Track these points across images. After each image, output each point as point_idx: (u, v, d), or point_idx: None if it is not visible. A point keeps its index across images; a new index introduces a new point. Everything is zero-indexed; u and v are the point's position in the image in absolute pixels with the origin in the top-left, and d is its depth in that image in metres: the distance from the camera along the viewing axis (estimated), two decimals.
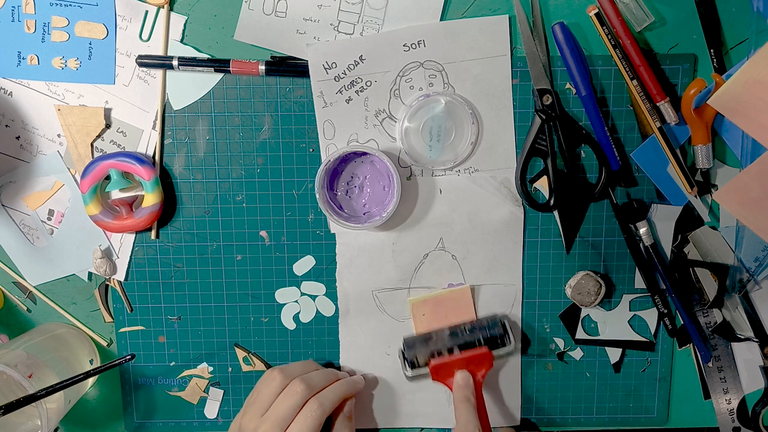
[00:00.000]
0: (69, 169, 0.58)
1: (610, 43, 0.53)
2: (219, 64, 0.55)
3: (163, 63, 0.55)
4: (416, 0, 0.54)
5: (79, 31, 0.55)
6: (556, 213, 0.58)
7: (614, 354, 0.61)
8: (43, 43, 0.55)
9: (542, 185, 0.58)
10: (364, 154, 0.57)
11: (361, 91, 0.56)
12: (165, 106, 0.57)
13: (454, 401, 0.55)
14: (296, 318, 0.61)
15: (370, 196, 0.58)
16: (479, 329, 0.58)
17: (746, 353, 0.61)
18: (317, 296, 0.61)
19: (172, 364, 0.62)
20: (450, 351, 0.57)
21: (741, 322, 0.60)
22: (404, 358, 0.58)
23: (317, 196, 0.55)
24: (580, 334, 0.61)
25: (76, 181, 0.58)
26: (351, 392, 0.58)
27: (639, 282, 0.59)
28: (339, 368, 0.61)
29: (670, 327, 0.60)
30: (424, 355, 0.58)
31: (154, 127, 0.57)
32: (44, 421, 0.51)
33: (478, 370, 0.57)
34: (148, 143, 0.57)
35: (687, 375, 0.62)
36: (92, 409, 0.63)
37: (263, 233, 0.59)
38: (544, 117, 0.55)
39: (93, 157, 0.57)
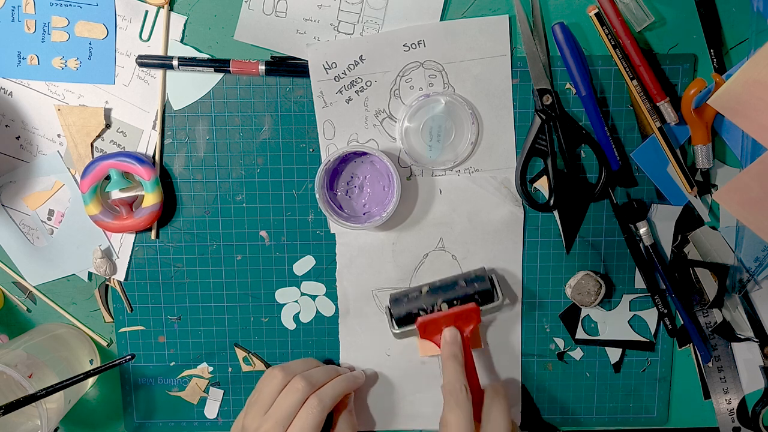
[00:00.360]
0: (69, 169, 0.58)
1: (610, 43, 0.53)
2: (219, 64, 0.55)
3: (163, 63, 0.55)
4: (416, 0, 0.54)
5: (79, 31, 0.55)
6: (556, 213, 0.58)
7: (614, 354, 0.61)
8: (43, 43, 0.55)
9: (542, 185, 0.58)
10: (364, 154, 0.57)
11: (361, 91, 0.56)
12: (165, 106, 0.57)
13: (442, 358, 0.55)
14: (296, 318, 0.61)
15: (370, 196, 0.58)
16: (467, 283, 0.57)
17: (746, 353, 0.61)
18: (317, 296, 0.61)
19: (172, 364, 0.62)
20: (436, 307, 0.56)
21: (741, 322, 0.60)
22: (391, 315, 0.57)
23: (317, 196, 0.55)
24: (580, 334, 0.61)
25: (76, 181, 0.58)
26: (351, 388, 0.58)
27: (639, 282, 0.59)
28: (339, 365, 0.61)
29: (670, 327, 0.60)
30: (412, 311, 0.57)
31: (154, 127, 0.57)
32: (44, 421, 0.51)
33: (465, 326, 0.56)
34: (148, 143, 0.57)
35: (687, 375, 0.62)
36: (92, 409, 0.63)
37: (263, 233, 0.59)
38: (544, 117, 0.55)
39: (93, 157, 0.57)
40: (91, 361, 0.60)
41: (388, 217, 0.55)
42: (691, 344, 0.61)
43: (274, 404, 0.53)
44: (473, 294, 0.56)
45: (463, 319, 0.56)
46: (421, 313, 0.57)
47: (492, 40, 0.55)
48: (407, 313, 0.57)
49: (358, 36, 0.55)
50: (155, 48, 0.56)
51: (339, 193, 0.58)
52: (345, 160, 0.57)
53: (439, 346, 0.56)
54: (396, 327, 0.57)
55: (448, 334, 0.56)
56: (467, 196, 0.58)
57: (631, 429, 0.63)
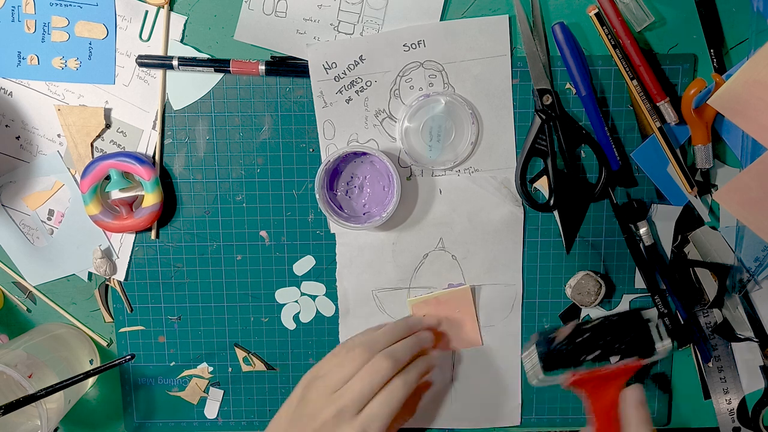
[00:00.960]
0: (69, 169, 0.58)
1: (610, 43, 0.53)
2: (219, 64, 0.55)
3: (163, 63, 0.55)
4: (416, 0, 0.54)
5: (79, 31, 0.55)
6: (556, 213, 0.58)
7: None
8: (43, 43, 0.55)
9: (542, 185, 0.58)
10: (364, 154, 0.57)
11: (361, 91, 0.56)
12: (165, 106, 0.57)
13: (633, 423, 0.47)
14: (296, 318, 0.61)
15: (370, 196, 0.58)
16: (625, 330, 0.50)
17: (746, 353, 0.61)
18: (317, 296, 0.61)
19: (172, 364, 0.62)
20: (593, 359, 0.50)
21: (741, 322, 0.60)
22: (541, 359, 0.50)
23: (317, 196, 0.55)
24: None
25: (76, 181, 0.58)
26: (431, 368, 0.53)
27: (639, 282, 0.59)
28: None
29: (670, 327, 0.60)
30: (564, 362, 0.50)
31: (154, 127, 0.57)
32: (44, 421, 0.51)
33: (620, 383, 0.50)
34: (148, 143, 0.57)
35: (687, 375, 0.62)
36: (92, 409, 0.63)
37: (263, 233, 0.59)
38: (544, 117, 0.55)
39: (93, 157, 0.57)
40: (91, 361, 0.60)
41: (388, 217, 0.55)
42: (691, 344, 0.61)
43: (350, 383, 0.48)
44: (634, 343, 0.50)
45: (622, 375, 0.50)
46: (575, 364, 0.50)
47: (492, 40, 0.55)
48: (558, 364, 0.50)
49: (358, 36, 0.55)
50: (155, 48, 0.56)
51: (339, 193, 0.58)
52: (345, 160, 0.57)
53: (590, 397, 0.50)
54: (542, 374, 0.51)
55: (635, 395, 0.49)
56: (467, 196, 0.58)
57: None
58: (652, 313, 0.52)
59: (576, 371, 0.50)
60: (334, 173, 0.58)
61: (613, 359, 0.50)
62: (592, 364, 0.50)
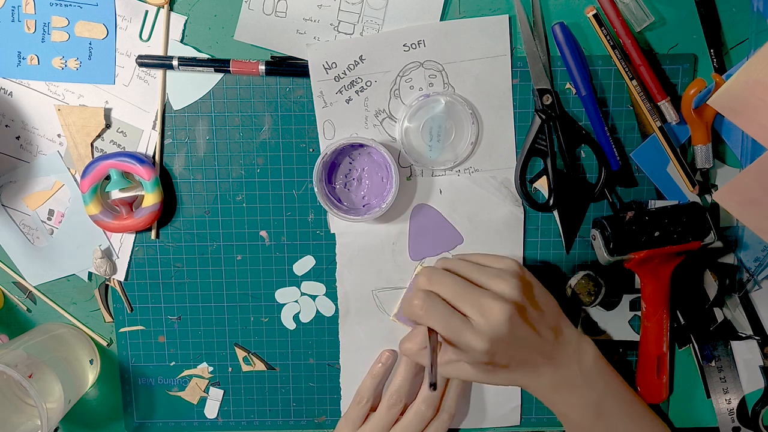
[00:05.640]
0: (69, 169, 0.58)
1: (609, 44, 0.53)
2: (219, 64, 0.55)
3: (163, 63, 0.55)
4: (416, 0, 0.54)
5: (79, 31, 0.55)
6: (556, 213, 0.58)
7: (614, 354, 0.61)
8: (43, 43, 0.55)
9: (542, 185, 0.58)
10: (362, 146, 0.57)
11: (361, 91, 0.56)
12: (165, 106, 0.57)
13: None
14: (296, 318, 0.61)
15: (369, 188, 0.58)
16: (682, 217, 0.55)
17: (746, 353, 0.61)
18: (317, 296, 0.61)
19: (172, 364, 0.62)
20: (653, 241, 0.55)
21: (741, 322, 0.60)
22: (607, 239, 0.55)
23: (315, 189, 0.55)
24: None
25: (76, 181, 0.58)
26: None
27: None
28: (339, 365, 0.61)
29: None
30: (627, 244, 0.54)
31: (154, 127, 0.57)
32: (44, 421, 0.51)
33: (669, 264, 0.56)
34: (148, 143, 0.57)
35: (687, 375, 0.62)
36: (92, 409, 0.63)
37: (263, 233, 0.59)
38: (544, 117, 0.55)
39: (93, 157, 0.57)
40: (91, 361, 0.60)
41: (388, 208, 0.55)
42: (691, 344, 0.61)
43: None
44: (687, 229, 0.55)
45: (673, 255, 0.56)
46: (638, 244, 0.55)
47: (492, 40, 0.55)
48: (624, 243, 0.55)
49: (358, 36, 0.55)
50: (155, 48, 0.56)
51: (338, 186, 0.58)
52: (342, 152, 0.57)
53: (645, 283, 0.57)
54: (606, 254, 0.55)
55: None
56: (467, 196, 0.58)
57: None
58: (705, 206, 0.57)
59: (638, 252, 0.55)
60: (333, 166, 0.58)
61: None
62: (652, 246, 0.55)
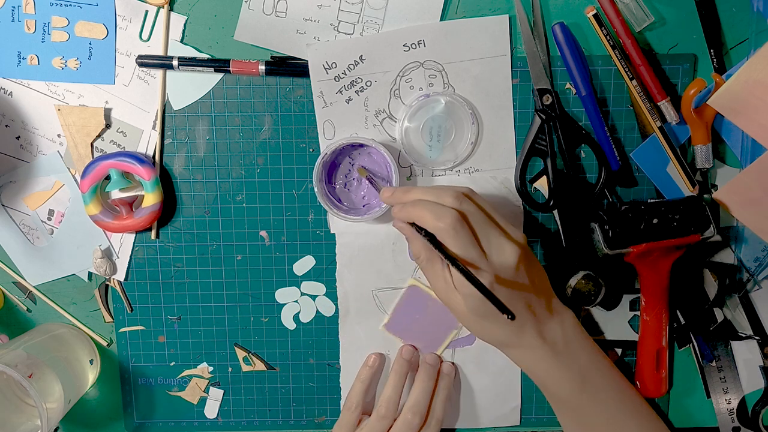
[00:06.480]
0: (69, 169, 0.58)
1: (609, 44, 0.53)
2: (219, 64, 0.55)
3: (163, 63, 0.55)
4: (416, 0, 0.54)
5: (79, 31, 0.55)
6: (556, 213, 0.58)
7: (614, 354, 0.61)
8: (43, 43, 0.55)
9: (542, 185, 0.58)
10: (362, 146, 0.57)
11: (361, 91, 0.56)
12: (165, 106, 0.57)
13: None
14: (296, 318, 0.61)
15: (369, 188, 0.58)
16: (681, 210, 0.55)
17: (746, 353, 0.61)
18: (317, 296, 0.61)
19: (172, 364, 0.62)
20: (652, 234, 0.55)
21: (741, 322, 0.60)
22: (606, 232, 0.55)
23: (315, 189, 0.55)
24: None
25: (76, 181, 0.58)
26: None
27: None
28: (339, 365, 0.61)
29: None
30: (626, 237, 0.54)
31: (154, 127, 0.57)
32: (44, 421, 0.51)
33: (669, 258, 0.56)
34: (148, 143, 0.57)
35: (687, 375, 0.62)
36: (92, 409, 0.63)
37: (263, 233, 0.59)
38: (544, 117, 0.55)
39: (93, 157, 0.57)
40: (91, 361, 0.60)
41: (388, 207, 0.55)
42: (691, 344, 0.61)
43: None
44: (687, 222, 0.55)
45: (673, 248, 0.55)
46: (637, 237, 0.55)
47: (492, 40, 0.55)
48: (622, 236, 0.55)
49: (358, 36, 0.55)
50: (155, 48, 0.56)
51: (338, 186, 0.58)
52: (342, 152, 0.57)
53: (643, 277, 0.57)
54: (605, 247, 0.55)
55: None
56: None
57: None
58: (704, 198, 0.57)
59: (637, 245, 0.55)
60: (333, 166, 0.58)
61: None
62: (651, 239, 0.55)
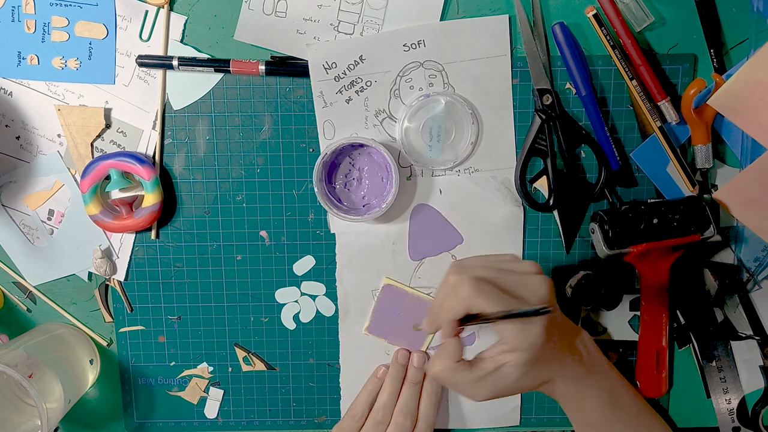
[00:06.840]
0: (69, 169, 0.58)
1: (609, 44, 0.53)
2: (219, 64, 0.55)
3: (163, 63, 0.55)
4: (416, 0, 0.54)
5: (79, 31, 0.55)
6: (555, 213, 0.58)
7: (614, 354, 0.61)
8: (43, 43, 0.55)
9: (542, 185, 0.58)
10: (362, 146, 0.57)
11: (361, 91, 0.56)
12: (165, 106, 0.57)
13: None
14: (296, 318, 0.61)
15: (369, 187, 0.58)
16: (681, 209, 0.55)
17: (746, 353, 0.61)
18: (317, 296, 0.61)
19: (172, 364, 0.62)
20: (652, 234, 0.54)
21: (741, 322, 0.60)
22: (606, 233, 0.55)
23: (315, 189, 0.55)
24: None
25: (76, 181, 0.58)
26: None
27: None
28: (339, 365, 0.61)
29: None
30: (626, 238, 0.54)
31: (154, 127, 0.57)
32: (44, 421, 0.51)
33: (669, 258, 0.56)
34: (148, 143, 0.57)
35: (687, 375, 0.62)
36: (92, 409, 0.63)
37: (263, 233, 0.59)
38: (544, 117, 0.55)
39: (93, 157, 0.57)
40: (91, 362, 0.60)
41: (388, 207, 0.55)
42: (691, 344, 0.61)
43: None
44: (688, 222, 0.55)
45: (673, 249, 0.55)
46: (638, 237, 0.54)
47: (492, 40, 0.55)
48: (623, 237, 0.54)
49: (358, 36, 0.55)
50: (155, 48, 0.56)
51: (338, 186, 0.58)
52: (342, 152, 0.57)
53: (643, 278, 0.57)
54: (605, 248, 0.55)
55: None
56: (467, 196, 0.58)
57: None
58: (704, 198, 0.57)
59: (637, 245, 0.55)
60: (333, 166, 0.58)
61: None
62: (651, 239, 0.55)
